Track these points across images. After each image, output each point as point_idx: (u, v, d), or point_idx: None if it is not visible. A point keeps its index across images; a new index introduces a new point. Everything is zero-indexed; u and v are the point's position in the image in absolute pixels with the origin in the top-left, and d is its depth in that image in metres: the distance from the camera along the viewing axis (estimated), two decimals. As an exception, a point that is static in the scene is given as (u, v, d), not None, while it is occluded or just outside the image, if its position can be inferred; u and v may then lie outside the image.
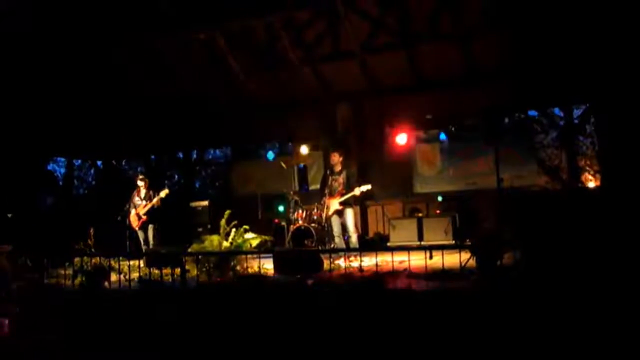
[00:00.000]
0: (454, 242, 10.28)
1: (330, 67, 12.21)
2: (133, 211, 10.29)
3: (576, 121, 13.64)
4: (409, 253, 6.22)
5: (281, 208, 12.25)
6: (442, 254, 5.80)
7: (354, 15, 10.89)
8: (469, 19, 10.53)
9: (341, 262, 7.58)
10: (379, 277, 5.97)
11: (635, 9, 9.11)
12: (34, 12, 10.73)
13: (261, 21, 11.15)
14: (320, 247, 9.56)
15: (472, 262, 6.29)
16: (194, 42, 11.67)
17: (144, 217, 10.18)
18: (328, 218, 9.43)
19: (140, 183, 10.44)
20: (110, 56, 11.75)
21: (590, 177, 16.23)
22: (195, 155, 17.20)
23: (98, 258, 7.35)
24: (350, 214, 9.21)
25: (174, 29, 11.11)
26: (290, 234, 10.26)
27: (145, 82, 12.58)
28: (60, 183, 17.91)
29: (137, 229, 10.28)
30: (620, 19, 9.41)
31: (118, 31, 11.26)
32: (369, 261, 7.27)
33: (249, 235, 8.20)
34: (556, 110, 14.19)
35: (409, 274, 6.07)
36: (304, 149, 12.51)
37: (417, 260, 6.33)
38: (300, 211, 10.67)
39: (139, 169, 17.56)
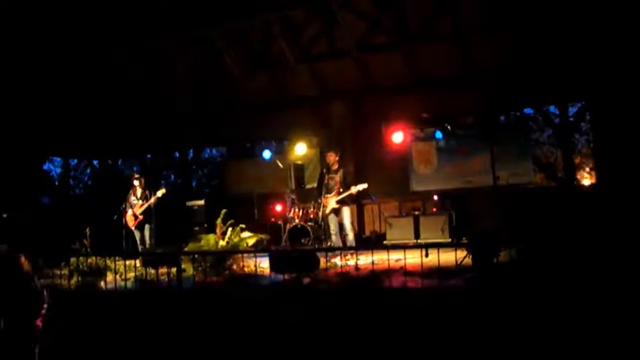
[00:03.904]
0: (450, 240, 10.28)
1: (327, 66, 12.19)
2: (129, 211, 10.27)
3: (572, 119, 13.68)
4: (404, 251, 6.22)
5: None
6: (438, 252, 5.80)
7: (350, 14, 10.88)
8: (464, 18, 10.53)
9: (337, 261, 7.58)
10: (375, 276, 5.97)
11: (629, 7, 9.13)
12: (31, 11, 10.70)
13: (257, 21, 11.12)
14: (316, 246, 9.57)
15: (468, 260, 6.30)
16: (190, 42, 11.65)
17: (141, 217, 10.16)
18: (325, 216, 9.44)
19: (136, 182, 10.42)
20: (106, 56, 11.71)
21: (586, 174, 16.33)
22: (191, 155, 17.17)
23: (94, 258, 7.33)
24: (347, 213, 9.22)
25: (170, 29, 11.09)
26: (286, 232, 10.26)
27: (141, 81, 12.55)
28: (56, 183, 17.90)
29: (133, 228, 10.26)
30: (615, 17, 9.44)
31: (114, 31, 11.23)
32: (365, 259, 7.27)
33: (246, 234, 8.21)
34: (552, 108, 14.25)
35: (405, 272, 6.06)
36: (301, 148, 12.49)
37: (413, 259, 6.33)
38: (296, 210, 10.67)
39: (134, 169, 17.55)
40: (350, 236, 9.25)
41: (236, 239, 8.01)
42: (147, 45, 11.62)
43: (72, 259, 7.32)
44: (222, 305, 5.77)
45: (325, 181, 9.38)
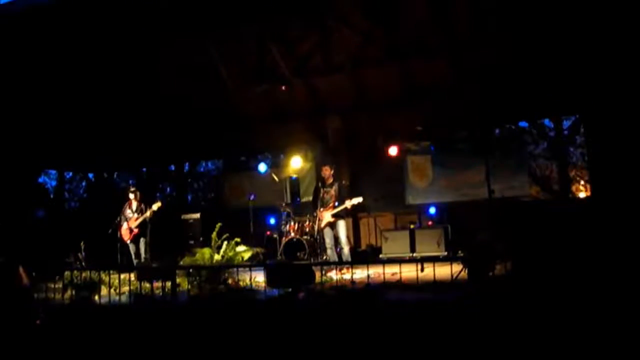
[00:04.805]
0: (446, 253, 10.28)
1: (322, 80, 12.23)
2: (125, 224, 10.24)
3: (566, 132, 13.75)
4: (400, 265, 6.21)
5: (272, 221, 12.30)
6: (434, 266, 5.79)
7: (345, 28, 10.93)
8: (458, 31, 10.60)
9: (333, 275, 7.56)
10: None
11: (623, 20, 9.21)
12: (27, 21, 10.70)
13: (252, 31, 11.13)
14: (312, 260, 9.55)
15: (464, 274, 6.29)
16: (185, 54, 11.65)
17: (136, 230, 10.14)
18: (320, 230, 9.40)
19: (131, 196, 10.40)
20: (100, 69, 11.72)
21: (581, 187, 16.37)
22: (187, 168, 17.16)
23: (88, 272, 7.30)
24: (342, 226, 9.19)
25: (169, 35, 11.06)
26: (282, 246, 10.24)
27: (136, 95, 12.56)
28: (51, 196, 17.83)
29: (128, 242, 10.22)
30: (609, 31, 9.50)
31: (109, 43, 11.24)
32: (361, 273, 7.26)
33: (241, 247, 8.17)
34: (546, 121, 14.32)
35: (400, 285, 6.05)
36: (296, 161, 12.50)
37: (409, 272, 6.32)
38: (292, 223, 10.66)
39: (130, 182, 17.52)
40: (346, 250, 9.23)
41: (231, 253, 7.98)
42: (142, 57, 11.60)
43: (67, 273, 7.29)
44: (217, 319, 5.75)
45: (321, 195, 9.37)
